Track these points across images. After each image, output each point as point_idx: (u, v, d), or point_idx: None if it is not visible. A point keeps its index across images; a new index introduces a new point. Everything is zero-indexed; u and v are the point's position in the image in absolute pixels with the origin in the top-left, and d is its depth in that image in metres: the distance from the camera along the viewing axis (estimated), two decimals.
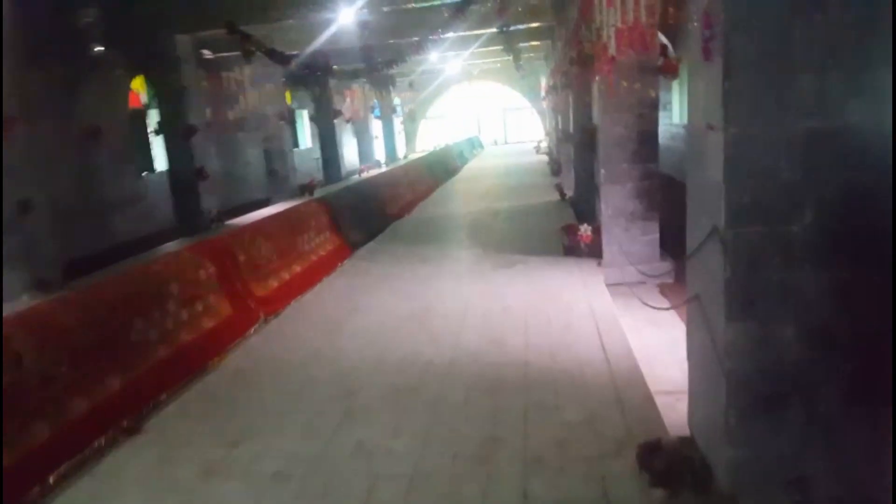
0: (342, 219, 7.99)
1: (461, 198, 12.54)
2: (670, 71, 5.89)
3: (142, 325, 3.97)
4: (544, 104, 27.94)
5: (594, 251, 6.57)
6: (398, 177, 11.97)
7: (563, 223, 8.11)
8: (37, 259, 8.08)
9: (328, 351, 4.47)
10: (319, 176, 20.14)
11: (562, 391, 3.64)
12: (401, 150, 31.05)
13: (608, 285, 6.12)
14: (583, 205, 10.18)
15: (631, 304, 5.50)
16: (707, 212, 2.43)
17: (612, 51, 5.17)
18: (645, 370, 4.11)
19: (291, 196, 15.84)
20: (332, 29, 10.56)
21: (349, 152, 25.41)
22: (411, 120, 32.83)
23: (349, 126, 25.10)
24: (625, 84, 5.67)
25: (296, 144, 22.58)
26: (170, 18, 10.91)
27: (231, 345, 4.63)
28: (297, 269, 6.29)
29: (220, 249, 5.17)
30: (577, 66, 6.75)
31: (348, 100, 21.76)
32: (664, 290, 6.15)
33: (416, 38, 10.21)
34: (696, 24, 2.43)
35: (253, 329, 4.98)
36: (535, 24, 15.00)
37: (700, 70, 2.43)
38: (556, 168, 15.01)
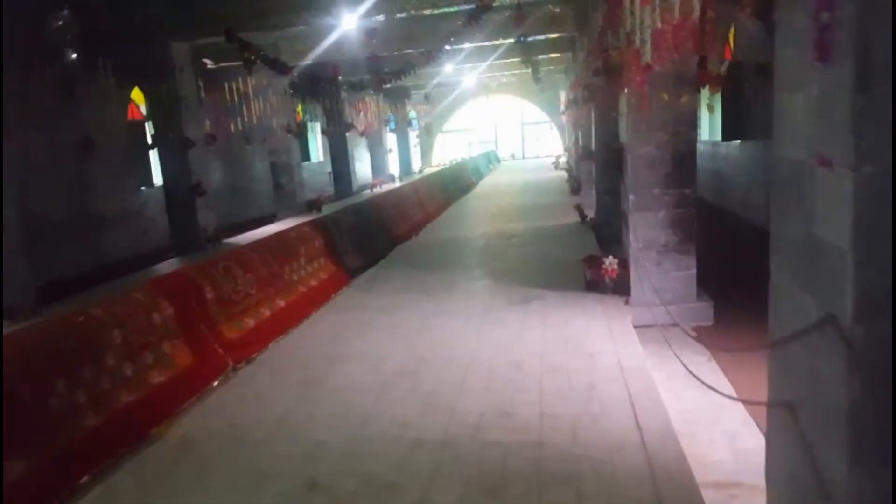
0: (341, 242, 7.25)
1: (474, 218, 11.75)
2: (713, 83, 5.08)
3: (65, 388, 3.22)
4: (563, 118, 27.15)
5: (620, 287, 5.75)
6: (407, 195, 11.23)
7: (583, 251, 7.29)
8: (7, 283, 7.43)
9: (299, 416, 3.69)
10: (330, 190, 19.53)
11: (586, 489, 2.82)
12: (416, 164, 30.38)
13: (636, 327, 5.30)
14: (604, 228, 9.36)
15: (664, 353, 4.68)
16: (813, 287, 1.62)
17: (646, 58, 4.38)
18: (686, 447, 3.27)
19: (299, 212, 15.17)
20: (334, 36, 9.89)
21: (362, 166, 24.80)
22: (427, 133, 32.16)
23: (363, 139, 24.51)
24: (663, 97, 4.88)
25: (307, 158, 22.03)
26: (165, 25, 10.32)
27: (186, 403, 3.87)
28: (281, 303, 5.53)
29: (181, 286, 4.43)
30: (602, 77, 5.96)
31: (361, 113, 21.13)
32: (702, 334, 5.30)
33: (425, 49, 9.49)
34: (795, 8, 1.63)
35: (217, 381, 4.21)
36: (554, 35, 14.26)
37: (803, 76, 1.63)
38: (575, 186, 14.19)
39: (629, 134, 5.46)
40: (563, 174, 19.54)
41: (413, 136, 32.13)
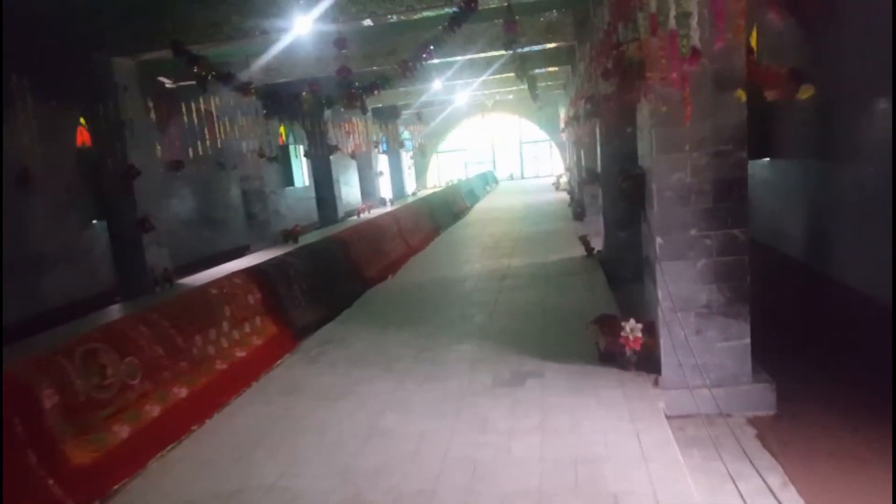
0: (288, 294, 5.78)
1: (463, 251, 10.28)
2: (776, 83, 3.64)
3: None
4: (564, 137, 25.81)
5: (646, 361, 4.26)
6: (385, 226, 9.77)
7: (592, 298, 5.83)
8: None
9: None
10: (317, 217, 18.15)
11: None
12: (410, 186, 29.01)
13: (670, 417, 3.82)
14: (615, 264, 7.89)
15: (713, 467, 3.23)
16: None
17: (688, 45, 2.95)
18: None
19: (273, 243, 13.76)
20: (303, 48, 8.55)
21: (352, 190, 23.42)
22: (422, 154, 30.87)
23: (353, 162, 23.15)
24: (734, 96, 3.45)
25: (290, 183, 20.67)
26: (106, 39, 8.99)
27: None
28: (182, 391, 4.05)
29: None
30: (614, 81, 4.53)
31: (349, 134, 19.81)
32: (763, 430, 3.81)
33: (402, 60, 8.11)
34: None
35: None
36: (552, 45, 12.93)
37: None
38: (578, 211, 12.73)
39: (654, 155, 4.01)
40: (565, 196, 18.12)
41: (407, 158, 30.82)
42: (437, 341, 5.27)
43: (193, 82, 9.86)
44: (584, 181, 8.70)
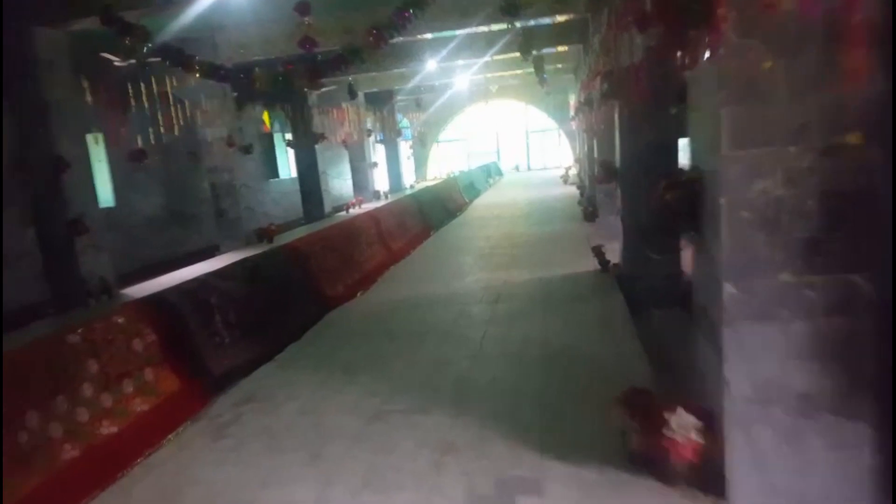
0: (205, 329, 4.30)
1: (454, 259, 8.75)
2: None
3: None
4: (573, 125, 24.15)
5: (703, 473, 2.74)
6: (361, 228, 8.25)
7: (609, 336, 4.33)
8: None
9: None
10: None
11: None
12: (408, 177, 27.44)
13: None
14: (635, 283, 6.38)
15: None
16: None
17: None
18: None
19: (246, 243, 12.29)
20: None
21: (344, 183, 21.93)
22: (422, 144, 29.27)
23: (345, 153, 21.61)
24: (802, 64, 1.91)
25: (275, 174, 19.18)
26: (26, 5, 7.50)
27: None
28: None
29: None
30: (655, 30, 3.00)
31: (339, 121, 18.28)
32: None
33: (368, 29, 6.57)
34: None
35: None
36: (561, 19, 11.34)
37: None
38: (590, 210, 11.18)
39: (725, 151, 2.47)
40: (574, 191, 16.55)
41: (405, 148, 29.21)
42: (396, 404, 3.77)
43: (156, 60, 8.36)
44: (599, 177, 7.15)
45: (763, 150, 2.45)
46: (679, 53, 2.78)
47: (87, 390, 3.33)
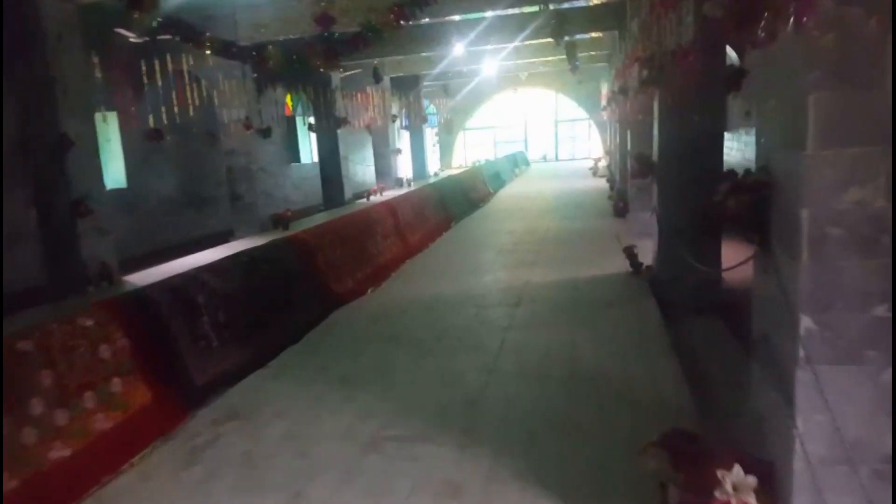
0: (190, 331, 3.87)
1: (474, 255, 8.24)
2: None
3: None
4: (605, 115, 23.38)
5: None
6: (376, 219, 7.78)
7: (642, 349, 3.81)
8: None
9: None
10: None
11: None
12: (433, 165, 26.91)
13: None
14: (671, 288, 5.83)
15: None
16: None
17: None
18: None
19: (261, 229, 11.93)
20: None
21: (367, 170, 21.49)
22: (448, 131, 28.70)
23: (368, 138, 21.16)
24: None
25: (296, 158, 18.80)
26: None
27: None
28: None
29: None
30: (714, 3, 2.44)
31: (364, 106, 17.81)
32: None
33: (392, 6, 6.06)
34: None
35: None
36: (597, 1, 10.68)
37: None
38: (620, 206, 10.57)
39: (809, 150, 1.92)
40: (603, 184, 15.90)
41: (431, 134, 28.66)
42: (397, 429, 3.29)
43: (168, 37, 7.94)
44: (633, 172, 6.56)
45: (861, 150, 1.91)
46: (751, 27, 2.23)
47: (37, 407, 2.91)
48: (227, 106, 11.26)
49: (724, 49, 5.84)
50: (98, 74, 8.51)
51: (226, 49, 7.03)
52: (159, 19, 6.98)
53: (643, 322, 4.91)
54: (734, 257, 6.57)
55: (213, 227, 12.71)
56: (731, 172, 2.41)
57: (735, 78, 6.18)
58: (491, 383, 3.79)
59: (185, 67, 9.68)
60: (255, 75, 11.96)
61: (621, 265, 6.81)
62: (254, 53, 6.88)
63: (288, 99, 17.99)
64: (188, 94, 10.20)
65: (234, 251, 5.55)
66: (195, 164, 13.02)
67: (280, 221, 12.12)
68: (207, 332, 4.00)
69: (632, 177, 6.57)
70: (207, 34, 7.07)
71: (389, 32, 6.36)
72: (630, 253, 6.54)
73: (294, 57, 6.65)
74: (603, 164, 22.09)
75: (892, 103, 1.82)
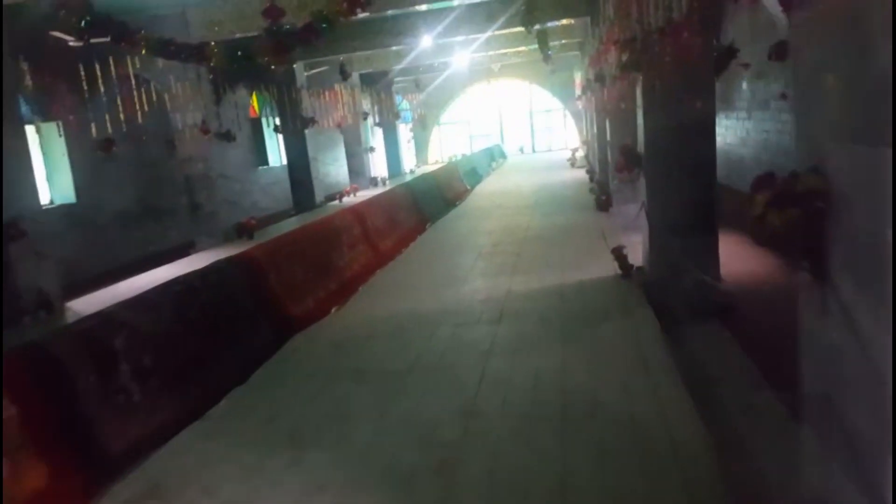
0: (100, 388, 3.22)
1: (449, 260, 7.63)
2: None
3: None
4: (579, 105, 22.85)
5: None
6: (340, 227, 7.09)
7: (649, 387, 3.23)
8: None
9: None
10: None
11: None
12: (409, 162, 26.22)
13: None
14: (662, 289, 5.29)
15: None
16: None
17: None
18: None
19: (224, 240, 11.20)
20: None
21: (340, 170, 20.75)
22: (422, 127, 28.01)
23: (341, 137, 20.40)
24: None
25: (263, 161, 18.02)
26: None
27: None
28: None
29: None
30: None
31: (332, 104, 17.10)
32: None
33: None
34: None
35: None
36: None
37: None
38: (602, 199, 10.01)
39: None
40: (582, 174, 15.35)
41: (405, 131, 27.92)
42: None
43: (107, 39, 7.15)
44: (619, 165, 5.97)
45: None
46: None
47: None
48: (180, 110, 10.51)
49: (717, 24, 5.27)
50: (28, 82, 7.73)
51: (162, 48, 6.31)
52: (87, 18, 6.24)
53: (641, 338, 4.34)
54: (733, 254, 6.03)
55: (173, 240, 11.95)
56: (770, 176, 1.79)
57: (727, 56, 5.64)
58: (470, 432, 3.16)
59: (130, 71, 8.89)
60: (212, 76, 11.21)
61: (609, 267, 6.25)
62: (194, 51, 6.17)
63: (254, 100, 17.22)
64: (137, 99, 9.42)
65: (193, 267, 4.88)
66: (153, 172, 12.23)
67: (244, 230, 11.43)
68: (127, 385, 3.33)
69: (617, 171, 5.99)
70: (142, 32, 6.35)
71: (343, 23, 5.70)
72: (620, 255, 5.97)
73: (239, 54, 5.95)
74: (580, 154, 21.58)
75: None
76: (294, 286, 5.41)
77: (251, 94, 16.55)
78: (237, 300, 4.62)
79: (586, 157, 20.33)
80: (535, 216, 10.21)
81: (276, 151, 18.22)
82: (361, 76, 19.60)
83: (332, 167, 20.77)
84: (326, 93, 16.61)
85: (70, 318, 7.08)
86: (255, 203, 17.18)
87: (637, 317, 4.85)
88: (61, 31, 8.82)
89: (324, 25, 5.78)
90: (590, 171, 14.55)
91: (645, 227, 5.94)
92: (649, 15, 5.25)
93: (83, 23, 6.20)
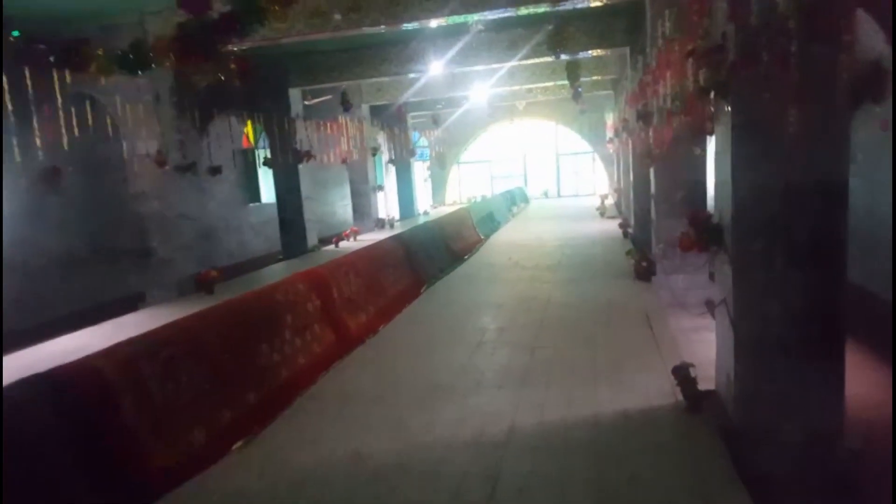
0: None
1: (436, 358, 5.54)
2: None
3: None
4: (610, 148, 20.90)
5: None
6: (289, 300, 5.09)
7: None
8: None
9: None
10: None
11: None
12: (423, 202, 24.35)
13: None
14: (752, 442, 3.21)
15: None
16: None
17: None
18: None
19: (179, 293, 9.28)
20: None
21: (342, 208, 18.93)
22: (440, 165, 26.27)
23: (345, 174, 18.59)
24: None
25: (256, 198, 16.30)
26: None
27: None
28: None
29: None
30: None
31: (335, 137, 15.38)
32: None
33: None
34: None
35: None
36: (598, 4, 8.16)
37: None
38: (643, 266, 7.93)
39: None
40: (614, 227, 13.26)
41: (422, 169, 26.15)
42: None
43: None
44: (684, 243, 3.89)
45: None
46: None
47: None
48: (129, 137, 8.73)
49: (850, 28, 3.27)
50: None
51: (26, 51, 4.46)
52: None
53: None
54: (865, 383, 3.80)
55: (128, 289, 10.10)
56: None
57: (876, 79, 3.64)
58: None
59: (57, 88, 7.11)
60: (175, 99, 9.47)
61: (663, 382, 4.18)
62: (67, 52, 4.32)
63: (248, 128, 15.59)
64: (76, 122, 7.65)
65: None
66: (107, 209, 10.43)
67: (203, 285, 9.48)
68: None
69: (681, 248, 3.95)
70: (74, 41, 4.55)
71: (273, 12, 3.82)
72: (684, 377, 3.88)
73: (130, 56, 4.07)
74: (610, 202, 19.55)
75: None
76: (170, 415, 3.40)
77: (243, 122, 14.89)
78: (46, 456, 2.62)
79: (617, 205, 18.27)
80: (559, 283, 8.13)
81: (270, 187, 16.48)
82: (373, 109, 17.93)
83: (339, 206, 18.98)
84: (328, 124, 14.89)
85: None
86: (243, 244, 15.37)
87: (716, 489, 2.76)
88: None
89: (252, 15, 3.91)
90: (623, 226, 12.47)
91: (724, 334, 3.86)
92: (748, 12, 3.29)
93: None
